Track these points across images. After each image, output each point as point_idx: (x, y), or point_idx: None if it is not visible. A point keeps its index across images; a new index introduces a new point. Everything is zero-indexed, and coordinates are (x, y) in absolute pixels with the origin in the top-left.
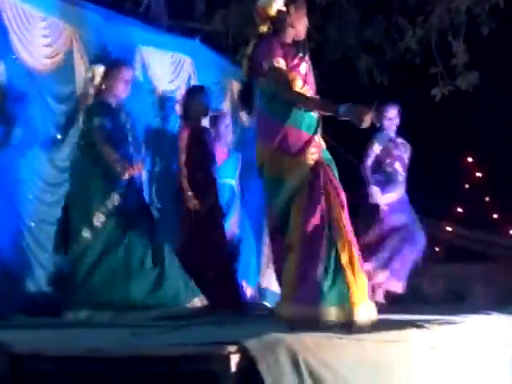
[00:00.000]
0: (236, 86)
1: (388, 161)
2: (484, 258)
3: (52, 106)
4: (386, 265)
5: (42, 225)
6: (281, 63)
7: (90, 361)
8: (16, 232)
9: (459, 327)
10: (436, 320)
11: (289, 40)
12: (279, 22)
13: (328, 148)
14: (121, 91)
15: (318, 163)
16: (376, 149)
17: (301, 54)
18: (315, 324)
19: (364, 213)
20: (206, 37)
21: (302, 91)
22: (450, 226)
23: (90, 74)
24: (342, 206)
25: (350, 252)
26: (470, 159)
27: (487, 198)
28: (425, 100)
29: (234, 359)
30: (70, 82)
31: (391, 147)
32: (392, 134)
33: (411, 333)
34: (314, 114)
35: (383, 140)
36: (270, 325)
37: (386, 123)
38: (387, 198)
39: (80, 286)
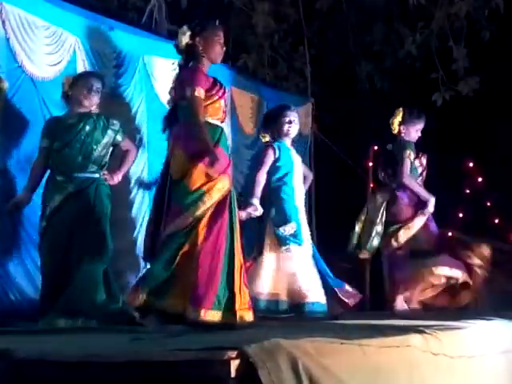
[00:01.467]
0: (236, 93)
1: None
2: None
3: (54, 113)
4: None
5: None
6: (200, 93)
7: (91, 366)
8: (19, 240)
9: (460, 333)
10: (437, 325)
11: (206, 68)
12: (190, 54)
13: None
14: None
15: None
16: (411, 157)
17: (222, 86)
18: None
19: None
20: None
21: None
22: (450, 232)
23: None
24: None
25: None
26: (470, 164)
27: (488, 204)
28: (425, 105)
29: (234, 364)
30: None
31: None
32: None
33: (412, 338)
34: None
35: (413, 149)
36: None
37: (413, 134)
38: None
39: None
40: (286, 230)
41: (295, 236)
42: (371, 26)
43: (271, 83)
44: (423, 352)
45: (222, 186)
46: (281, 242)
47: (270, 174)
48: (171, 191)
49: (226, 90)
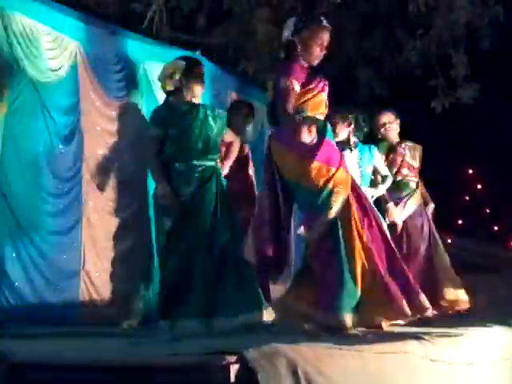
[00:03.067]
0: (235, 99)
1: (395, 169)
2: (485, 271)
3: (56, 118)
4: None
5: (46, 236)
6: (294, 84)
7: (89, 370)
8: (19, 243)
9: (459, 339)
10: (436, 332)
11: (305, 64)
12: (287, 52)
13: None
14: None
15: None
16: (376, 161)
17: (322, 79)
18: None
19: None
20: (207, 50)
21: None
22: (450, 238)
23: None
24: None
25: None
26: (470, 171)
27: (488, 210)
28: (425, 112)
29: (234, 369)
30: (73, 94)
31: (395, 154)
32: (394, 140)
33: (411, 344)
34: None
35: (383, 149)
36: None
37: (382, 130)
38: (407, 210)
39: None
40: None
41: None
42: (371, 33)
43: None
44: (421, 358)
45: (344, 176)
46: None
47: None
48: (287, 193)
49: (326, 84)
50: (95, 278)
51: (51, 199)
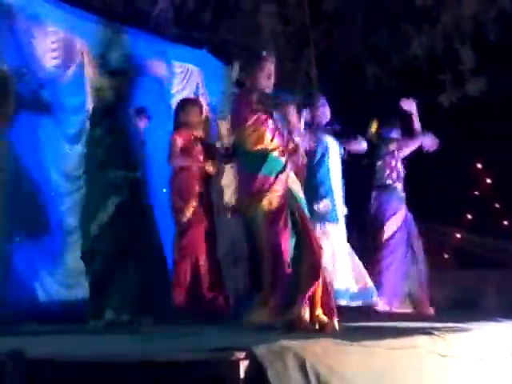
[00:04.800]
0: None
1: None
2: (496, 266)
3: (62, 117)
4: None
5: (55, 234)
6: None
7: (102, 366)
8: (27, 240)
9: (469, 334)
10: (445, 327)
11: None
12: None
13: None
14: None
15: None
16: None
17: (268, 112)
18: None
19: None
20: (213, 47)
21: (271, 145)
22: (459, 233)
23: None
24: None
25: None
26: (479, 166)
27: (497, 205)
28: (432, 107)
29: (243, 365)
30: (80, 93)
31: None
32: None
33: (420, 340)
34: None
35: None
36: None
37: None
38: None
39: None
40: (321, 206)
41: (330, 214)
42: (378, 27)
43: (277, 84)
44: (430, 353)
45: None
46: (316, 220)
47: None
48: None
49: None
50: None
51: (59, 198)
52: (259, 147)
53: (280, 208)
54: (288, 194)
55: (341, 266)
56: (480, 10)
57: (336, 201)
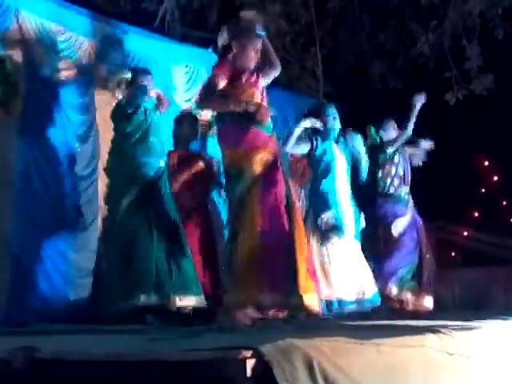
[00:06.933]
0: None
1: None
2: (504, 263)
3: (71, 116)
4: None
5: (65, 234)
6: (218, 79)
7: (109, 365)
8: (36, 239)
9: (477, 332)
10: (453, 325)
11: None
12: (223, 55)
13: None
14: None
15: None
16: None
17: (256, 74)
18: None
19: None
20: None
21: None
22: (466, 231)
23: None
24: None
25: None
26: (485, 163)
27: (504, 202)
28: (439, 105)
29: (250, 364)
30: (88, 92)
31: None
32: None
33: (428, 338)
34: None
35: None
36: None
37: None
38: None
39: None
40: (324, 218)
41: (336, 228)
42: (383, 26)
43: (283, 84)
44: (439, 352)
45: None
46: (321, 234)
47: (311, 165)
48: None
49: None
50: None
51: (68, 197)
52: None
53: (274, 169)
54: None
55: (348, 275)
56: (487, 7)
57: (342, 212)
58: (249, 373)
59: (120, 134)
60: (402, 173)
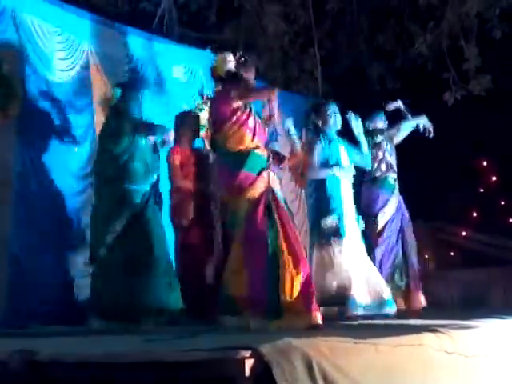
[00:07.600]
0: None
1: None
2: (502, 263)
3: (70, 118)
4: None
5: (64, 235)
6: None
7: (107, 366)
8: (36, 240)
9: (475, 332)
10: (451, 324)
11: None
12: (229, 82)
13: None
14: None
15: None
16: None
17: (248, 109)
18: None
19: None
20: (217, 47)
21: (252, 144)
22: (465, 231)
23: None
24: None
25: None
26: (484, 163)
27: (502, 203)
28: (437, 105)
29: (249, 364)
30: (86, 94)
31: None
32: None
33: (426, 337)
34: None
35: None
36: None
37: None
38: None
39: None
40: (327, 222)
41: (337, 230)
42: (382, 27)
43: (282, 85)
44: (437, 351)
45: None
46: (323, 236)
47: (313, 166)
48: None
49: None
50: None
51: (67, 198)
52: (241, 147)
53: (260, 203)
54: (269, 191)
55: (352, 279)
56: (484, 7)
57: (345, 216)
58: (248, 373)
59: (108, 154)
60: (389, 158)
